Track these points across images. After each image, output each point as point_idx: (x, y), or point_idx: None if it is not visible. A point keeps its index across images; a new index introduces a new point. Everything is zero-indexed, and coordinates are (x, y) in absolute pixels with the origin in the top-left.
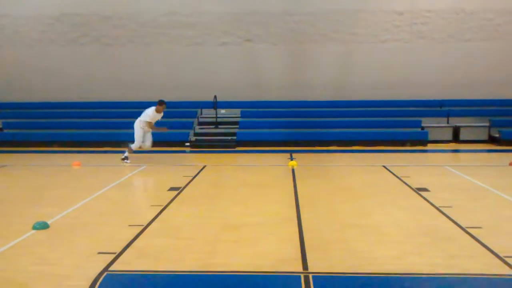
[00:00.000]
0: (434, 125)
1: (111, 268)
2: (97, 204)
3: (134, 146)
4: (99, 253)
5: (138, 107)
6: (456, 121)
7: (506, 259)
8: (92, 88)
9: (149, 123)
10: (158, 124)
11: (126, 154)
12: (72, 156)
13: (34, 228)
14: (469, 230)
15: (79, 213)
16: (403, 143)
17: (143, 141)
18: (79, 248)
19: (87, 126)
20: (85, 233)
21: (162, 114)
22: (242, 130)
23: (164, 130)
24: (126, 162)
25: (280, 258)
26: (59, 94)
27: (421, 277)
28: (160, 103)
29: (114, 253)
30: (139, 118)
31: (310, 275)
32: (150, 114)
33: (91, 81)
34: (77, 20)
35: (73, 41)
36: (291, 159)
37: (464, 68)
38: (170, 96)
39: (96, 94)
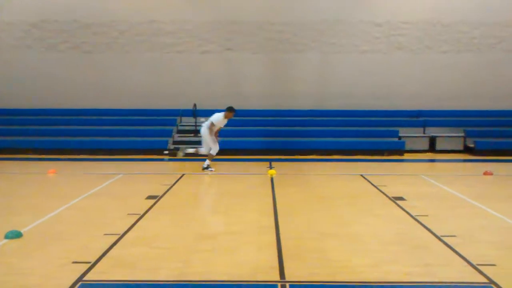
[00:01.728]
0: (411, 135)
1: (85, 278)
2: (72, 212)
3: (214, 152)
4: (74, 262)
5: (117, 115)
6: (432, 131)
7: (479, 267)
8: (71, 95)
9: (211, 124)
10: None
11: (208, 162)
12: (47, 164)
13: (7, 237)
14: (444, 238)
15: (54, 221)
16: (380, 153)
17: (201, 146)
18: (53, 258)
19: (64, 133)
20: (60, 242)
21: (226, 121)
22: (222, 138)
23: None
24: (210, 170)
25: (257, 267)
26: (35, 101)
27: (397, 285)
28: (230, 109)
29: (89, 262)
30: (205, 124)
31: (287, 284)
32: (218, 118)
33: (70, 88)
34: (56, 27)
35: (51, 48)
36: (271, 167)
37: (440, 79)
38: (149, 104)
39: (75, 101)
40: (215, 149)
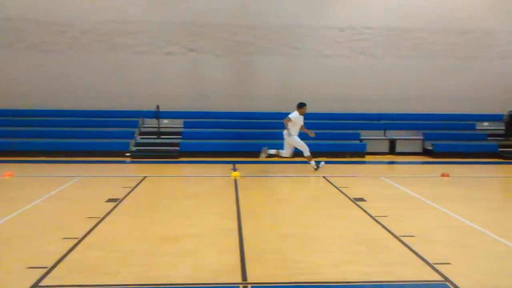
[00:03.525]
0: (372, 137)
1: (41, 284)
2: (29, 216)
3: (306, 152)
4: (29, 267)
5: (77, 116)
6: (392, 134)
7: (436, 266)
8: (28, 95)
9: (288, 119)
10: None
11: (313, 163)
12: (3, 166)
13: None
14: (402, 238)
15: (9, 226)
16: (342, 155)
17: (284, 149)
18: (7, 263)
19: (21, 135)
20: (14, 247)
21: (302, 117)
22: (185, 141)
23: (312, 134)
24: (322, 165)
25: (219, 270)
26: None
27: (356, 285)
28: (301, 105)
29: (46, 267)
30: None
31: (249, 286)
32: (293, 115)
33: (28, 88)
34: (12, 25)
35: (7, 46)
36: (234, 170)
37: (400, 84)
38: (111, 105)
39: (32, 102)
40: (305, 149)
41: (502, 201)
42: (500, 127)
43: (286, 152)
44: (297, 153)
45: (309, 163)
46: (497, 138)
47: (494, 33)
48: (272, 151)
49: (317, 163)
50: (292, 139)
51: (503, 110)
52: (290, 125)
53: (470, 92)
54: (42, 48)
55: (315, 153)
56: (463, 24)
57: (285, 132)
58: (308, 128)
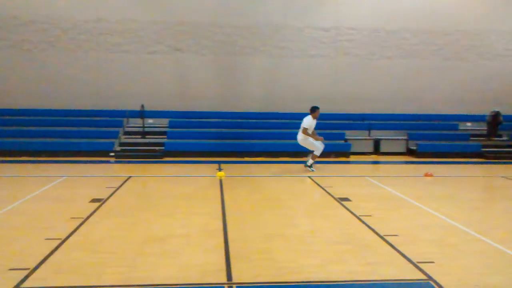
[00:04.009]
0: (356, 137)
1: (23, 285)
2: (11, 217)
3: (318, 153)
4: (11, 269)
5: (61, 115)
6: (376, 134)
7: (419, 264)
8: (9, 94)
9: (305, 130)
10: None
11: (311, 161)
12: None
13: None
14: (386, 238)
15: None
16: (327, 155)
17: (312, 151)
18: None
19: (4, 134)
20: None
21: (315, 121)
22: (170, 140)
23: (321, 139)
24: (312, 170)
25: (204, 270)
26: None
27: (341, 284)
28: (314, 109)
29: (28, 269)
30: (299, 132)
31: (234, 286)
32: (307, 122)
33: (9, 87)
34: None
35: None
36: (220, 170)
37: (384, 84)
38: (95, 104)
39: (14, 101)
40: (319, 149)
41: (484, 200)
42: (483, 127)
43: (316, 150)
44: (282, 152)
45: (308, 161)
46: (479, 138)
47: (478, 35)
48: (310, 160)
49: (311, 168)
50: (307, 141)
51: (486, 111)
52: (308, 131)
53: (454, 93)
54: (24, 47)
55: (300, 153)
56: (447, 25)
57: (299, 137)
58: (297, 128)
